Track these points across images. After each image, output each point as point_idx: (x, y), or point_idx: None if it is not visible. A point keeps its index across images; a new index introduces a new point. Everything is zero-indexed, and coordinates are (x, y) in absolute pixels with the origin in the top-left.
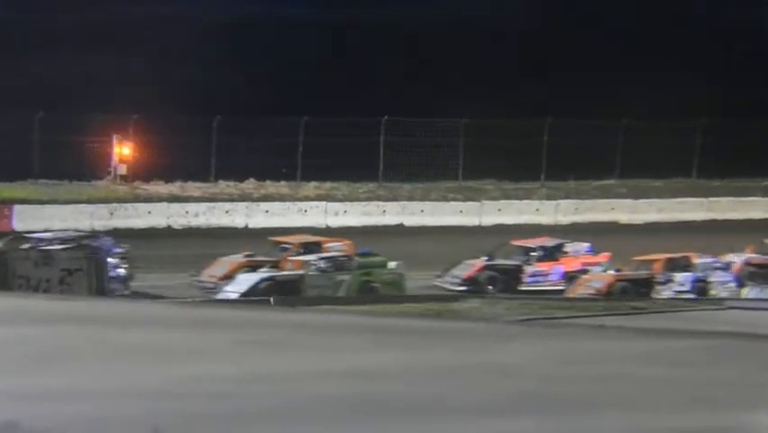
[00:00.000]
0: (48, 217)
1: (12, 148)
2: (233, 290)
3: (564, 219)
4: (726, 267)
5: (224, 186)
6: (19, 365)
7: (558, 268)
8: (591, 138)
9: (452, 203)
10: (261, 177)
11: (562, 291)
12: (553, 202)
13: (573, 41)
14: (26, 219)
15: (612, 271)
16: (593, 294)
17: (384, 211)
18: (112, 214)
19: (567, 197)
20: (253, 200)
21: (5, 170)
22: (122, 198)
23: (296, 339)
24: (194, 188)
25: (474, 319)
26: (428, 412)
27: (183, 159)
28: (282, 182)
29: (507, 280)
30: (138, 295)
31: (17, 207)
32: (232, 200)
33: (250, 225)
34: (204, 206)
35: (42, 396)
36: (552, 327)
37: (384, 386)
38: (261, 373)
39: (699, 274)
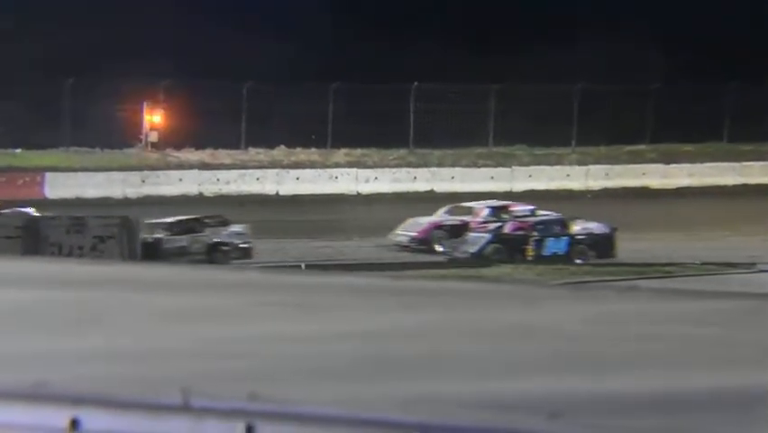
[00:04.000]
0: (80, 185)
1: (43, 116)
2: None
3: (595, 184)
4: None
5: (255, 153)
6: (50, 327)
7: None
8: (622, 103)
9: (483, 169)
10: (292, 144)
11: None
12: (584, 167)
13: (602, 3)
14: (58, 187)
15: None
16: None
17: (414, 177)
18: (143, 181)
19: (597, 162)
20: (283, 167)
21: (37, 137)
22: (153, 166)
23: (324, 301)
24: (225, 155)
25: (504, 282)
26: (455, 373)
27: (214, 126)
28: (312, 149)
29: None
30: None
31: (49, 175)
32: (262, 167)
33: (280, 192)
34: (234, 173)
35: (72, 357)
36: (583, 290)
37: (411, 346)
38: (289, 333)
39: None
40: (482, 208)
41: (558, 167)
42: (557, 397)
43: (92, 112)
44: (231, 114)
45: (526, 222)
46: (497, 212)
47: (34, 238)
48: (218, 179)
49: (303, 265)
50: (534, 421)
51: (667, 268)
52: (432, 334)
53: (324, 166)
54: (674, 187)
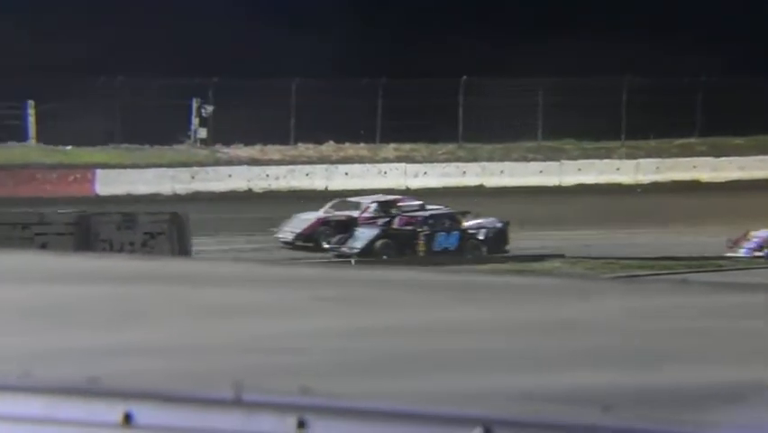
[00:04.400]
0: (130, 182)
1: (93, 113)
2: None
3: (645, 178)
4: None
5: (304, 148)
6: (101, 322)
7: None
8: (671, 96)
9: (532, 163)
10: (340, 139)
11: None
12: (634, 161)
13: None
14: (109, 183)
15: None
16: None
17: (464, 172)
18: (193, 177)
19: (648, 155)
20: (332, 162)
21: (88, 135)
22: (202, 162)
23: (376, 295)
24: (274, 150)
25: (554, 276)
26: (508, 367)
27: (263, 122)
28: (361, 144)
29: None
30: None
31: (100, 172)
32: (311, 163)
33: (329, 188)
34: (284, 168)
35: (123, 352)
36: (634, 283)
37: (464, 341)
38: (341, 328)
39: None
40: (369, 203)
41: (607, 160)
42: (609, 390)
43: (142, 109)
44: (280, 110)
45: (415, 217)
46: (384, 207)
47: (85, 235)
48: (267, 175)
49: (353, 261)
50: (589, 414)
51: (718, 261)
52: (484, 328)
53: (373, 161)
54: (724, 180)
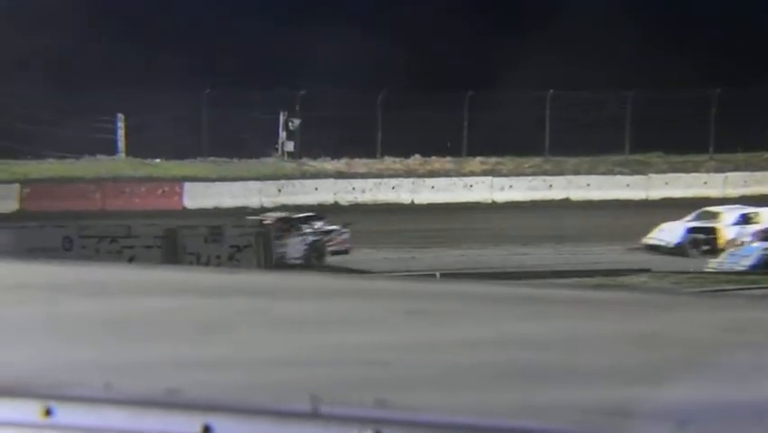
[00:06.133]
0: (217, 195)
1: (182, 126)
2: None
3: (734, 192)
4: None
5: (390, 162)
6: (182, 335)
7: None
8: (761, 108)
9: (619, 177)
10: (427, 152)
11: None
12: (722, 175)
13: (737, 7)
14: (196, 197)
15: None
16: None
17: (550, 186)
18: (280, 190)
19: (736, 169)
20: (419, 176)
21: (176, 148)
22: (289, 175)
23: (456, 308)
24: (360, 164)
25: (636, 290)
26: (586, 380)
27: (349, 135)
28: (447, 157)
29: None
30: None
31: (187, 185)
32: (397, 176)
33: (416, 201)
34: (370, 182)
35: (203, 364)
36: (718, 298)
37: (543, 355)
38: (419, 340)
39: None
40: None
41: (695, 174)
42: (687, 405)
43: (229, 122)
44: (366, 123)
45: None
46: None
47: (173, 248)
48: (354, 188)
49: (438, 274)
50: (662, 430)
51: None
52: (563, 342)
53: (460, 174)
54: None
